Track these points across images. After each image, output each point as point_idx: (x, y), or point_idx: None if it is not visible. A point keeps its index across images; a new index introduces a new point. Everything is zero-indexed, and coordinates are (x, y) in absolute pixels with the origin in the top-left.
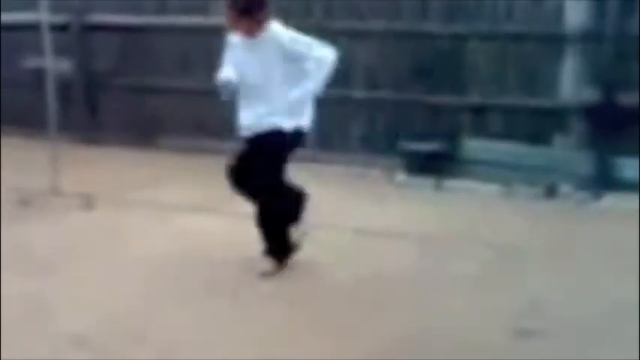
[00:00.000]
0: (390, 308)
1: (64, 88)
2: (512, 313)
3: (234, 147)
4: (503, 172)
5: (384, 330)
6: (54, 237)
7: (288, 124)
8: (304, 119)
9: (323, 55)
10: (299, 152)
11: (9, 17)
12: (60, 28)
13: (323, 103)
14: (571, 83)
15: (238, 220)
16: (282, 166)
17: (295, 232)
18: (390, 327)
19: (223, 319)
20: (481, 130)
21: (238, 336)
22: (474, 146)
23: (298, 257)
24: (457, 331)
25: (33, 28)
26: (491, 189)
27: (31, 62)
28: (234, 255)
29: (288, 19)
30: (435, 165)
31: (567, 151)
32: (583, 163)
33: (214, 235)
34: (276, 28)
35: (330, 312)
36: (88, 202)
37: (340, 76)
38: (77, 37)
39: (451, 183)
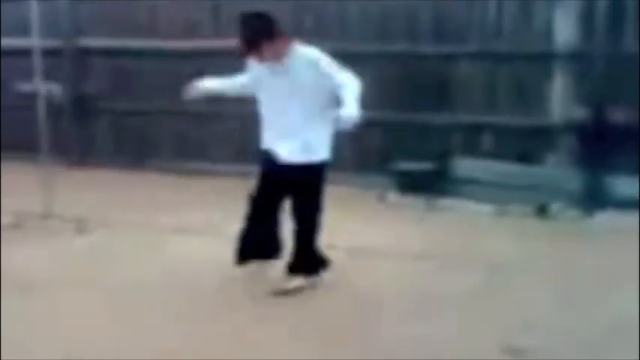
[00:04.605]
0: (381, 325)
1: (56, 111)
2: (504, 331)
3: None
4: (494, 191)
5: (375, 346)
6: (45, 260)
7: (323, 155)
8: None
9: (350, 81)
10: None
11: (2, 42)
12: (52, 53)
13: None
14: (561, 102)
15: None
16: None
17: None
18: (380, 344)
19: (214, 342)
20: (472, 150)
21: None
22: (465, 165)
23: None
24: (448, 349)
25: (25, 52)
26: (483, 208)
27: (23, 87)
28: (229, 278)
29: None
30: (427, 184)
31: (558, 169)
32: (574, 181)
33: (207, 258)
34: (302, 49)
35: (321, 329)
36: (79, 225)
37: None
38: (68, 61)
39: (443, 202)
